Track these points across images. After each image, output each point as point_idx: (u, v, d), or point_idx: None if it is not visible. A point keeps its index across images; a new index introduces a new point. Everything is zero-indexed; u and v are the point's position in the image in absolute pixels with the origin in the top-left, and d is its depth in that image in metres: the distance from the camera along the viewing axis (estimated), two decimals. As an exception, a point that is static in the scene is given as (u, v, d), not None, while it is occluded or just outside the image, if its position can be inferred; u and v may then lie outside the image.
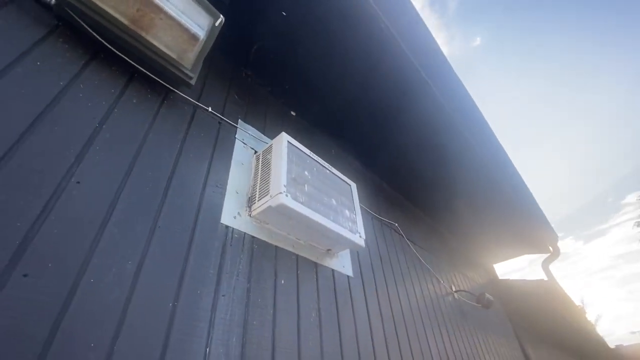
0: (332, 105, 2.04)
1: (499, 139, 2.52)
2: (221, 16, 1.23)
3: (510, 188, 2.85)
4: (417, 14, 1.70)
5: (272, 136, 1.65)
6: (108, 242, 0.81)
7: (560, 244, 3.92)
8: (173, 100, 1.23)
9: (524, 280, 3.96)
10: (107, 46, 1.05)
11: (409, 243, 2.43)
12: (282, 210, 1.20)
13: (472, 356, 2.39)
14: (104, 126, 0.96)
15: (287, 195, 1.19)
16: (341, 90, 1.95)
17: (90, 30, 1.02)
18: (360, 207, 2.03)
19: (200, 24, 1.15)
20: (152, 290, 0.84)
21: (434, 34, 1.83)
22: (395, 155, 2.46)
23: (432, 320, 2.13)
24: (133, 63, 1.11)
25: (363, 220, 2.03)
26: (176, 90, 1.24)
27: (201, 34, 1.13)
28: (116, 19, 1.03)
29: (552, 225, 3.67)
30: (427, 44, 1.79)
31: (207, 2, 1.20)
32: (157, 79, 1.17)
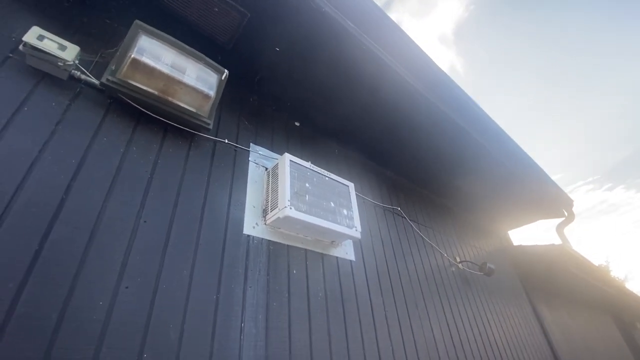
0: (329, 111, 2.31)
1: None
2: (226, 71, 1.54)
3: (512, 162, 3.01)
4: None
5: (279, 151, 1.99)
6: (169, 260, 1.22)
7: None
8: (197, 142, 1.59)
9: (537, 245, 4.14)
10: (145, 112, 1.42)
11: (412, 224, 2.73)
12: (288, 220, 1.56)
13: (473, 318, 2.73)
14: (154, 176, 1.35)
15: (291, 208, 1.55)
16: (337, 100, 2.21)
17: (133, 103, 1.38)
18: (363, 198, 2.35)
19: (210, 83, 1.48)
20: (201, 288, 1.25)
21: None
22: (397, 143, 2.69)
23: (433, 291, 2.48)
24: (165, 120, 1.48)
25: (366, 210, 2.36)
26: (199, 133, 1.60)
27: (212, 92, 1.46)
28: (149, 92, 1.38)
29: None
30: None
31: (214, 63, 1.51)
32: (184, 128, 1.53)
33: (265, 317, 1.38)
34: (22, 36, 1.15)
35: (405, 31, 2.00)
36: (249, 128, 1.92)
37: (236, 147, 1.77)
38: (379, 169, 2.85)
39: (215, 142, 1.67)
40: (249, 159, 1.80)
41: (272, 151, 1.97)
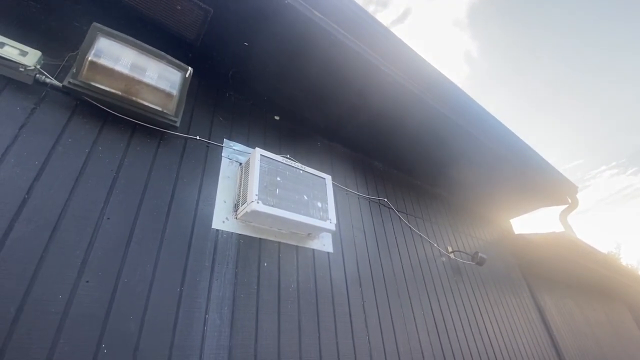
0: (310, 104, 2.31)
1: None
2: (190, 69, 1.56)
3: (509, 151, 2.93)
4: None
5: (255, 146, 2.00)
6: (132, 255, 1.27)
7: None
8: (167, 140, 1.63)
9: (538, 233, 4.04)
10: (111, 112, 1.46)
11: (399, 215, 2.72)
12: (255, 214, 1.59)
13: (464, 308, 2.72)
14: (120, 174, 1.39)
15: (258, 202, 1.57)
16: (318, 91, 2.20)
17: (98, 104, 1.42)
18: (346, 191, 2.36)
19: (172, 81, 1.50)
20: (165, 281, 1.30)
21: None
22: (384, 133, 2.66)
23: (419, 282, 2.47)
24: (132, 120, 1.51)
25: (349, 202, 2.36)
26: (168, 131, 1.63)
27: (174, 91, 1.49)
28: (112, 93, 1.42)
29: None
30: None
31: (177, 61, 1.53)
32: (152, 127, 1.57)
33: (231, 309, 1.42)
34: (-18, 44, 1.20)
35: (373, 15, 1.96)
36: (224, 124, 1.95)
37: (209, 143, 1.79)
38: (365, 160, 2.84)
39: (186, 139, 1.71)
40: (222, 154, 1.83)
41: (248, 146, 1.99)
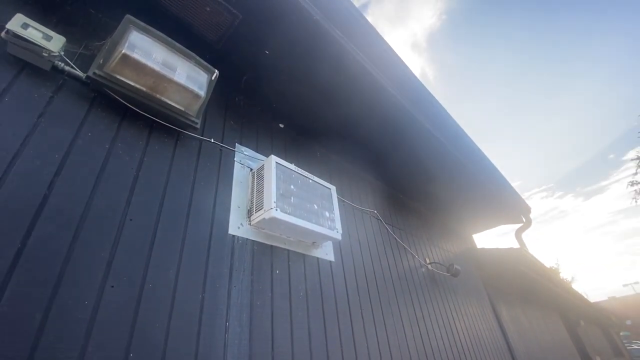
0: (313, 115, 2.37)
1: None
2: (216, 71, 1.55)
3: (479, 170, 3.23)
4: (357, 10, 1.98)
5: (263, 152, 2.01)
6: (155, 258, 1.21)
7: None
8: (183, 140, 1.58)
9: (498, 248, 4.46)
10: (131, 107, 1.39)
11: (387, 226, 2.85)
12: (273, 221, 1.60)
13: (440, 315, 2.91)
14: (139, 173, 1.33)
15: (276, 210, 1.59)
16: (322, 105, 2.26)
17: (119, 98, 1.35)
18: (343, 201, 2.43)
19: (200, 82, 1.48)
20: (187, 287, 1.26)
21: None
22: (377, 149, 2.80)
23: (405, 291, 2.61)
24: (152, 117, 1.46)
25: (345, 212, 2.44)
26: (185, 131, 1.59)
27: (202, 92, 1.46)
28: (137, 88, 1.36)
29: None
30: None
31: (205, 63, 1.51)
32: (170, 126, 1.52)
33: (249, 316, 1.41)
34: (4, 23, 1.10)
35: (389, 43, 2.10)
36: (234, 128, 1.93)
37: (222, 146, 1.77)
38: (359, 173, 2.95)
39: (201, 141, 1.67)
40: (235, 159, 1.81)
41: (257, 152, 1.99)
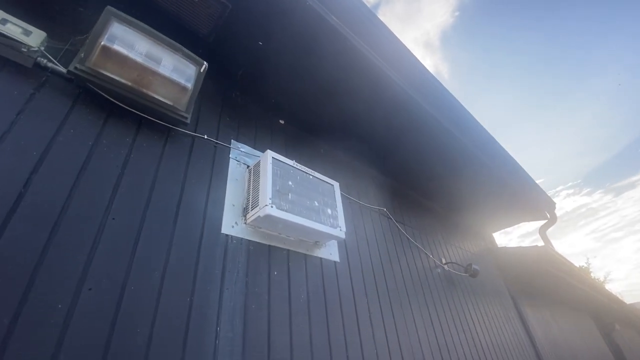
0: (316, 111, 2.27)
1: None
2: (205, 63, 1.48)
3: (497, 164, 3.03)
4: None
5: (262, 149, 1.93)
6: (139, 260, 1.14)
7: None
8: (174, 137, 1.52)
9: (521, 247, 4.19)
10: (117, 103, 1.34)
11: (398, 225, 2.71)
12: (269, 218, 1.51)
13: (458, 318, 2.72)
14: (125, 170, 1.27)
15: (272, 207, 1.49)
16: (326, 99, 2.17)
17: (104, 94, 1.30)
18: (349, 199, 2.32)
19: (188, 75, 1.41)
20: (174, 290, 1.18)
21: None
22: (385, 145, 2.67)
23: (419, 293, 2.45)
24: (139, 113, 1.40)
25: (352, 211, 2.32)
26: (176, 128, 1.53)
27: (189, 84, 1.40)
28: (121, 83, 1.31)
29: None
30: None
31: (192, 55, 1.45)
32: (159, 122, 1.46)
33: (242, 321, 1.32)
34: (-20, 18, 1.07)
35: (396, 34, 1.98)
36: (230, 124, 1.86)
37: (216, 143, 1.70)
38: (367, 170, 2.83)
39: (193, 137, 1.61)
40: (230, 155, 1.74)
41: (255, 149, 1.91)
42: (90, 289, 1.00)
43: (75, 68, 1.22)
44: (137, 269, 1.12)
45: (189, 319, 1.17)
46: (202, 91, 1.78)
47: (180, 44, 1.47)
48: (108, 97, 1.31)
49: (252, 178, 1.70)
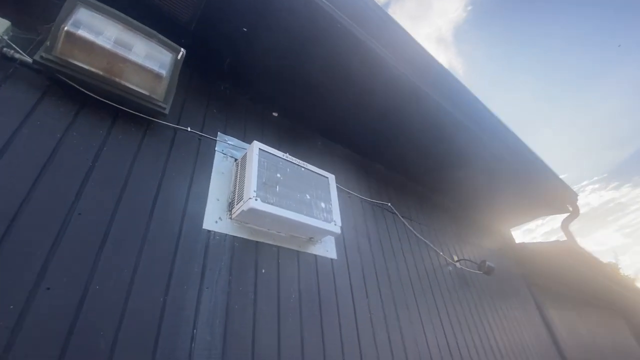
0: (312, 102, 2.16)
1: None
2: (182, 50, 1.40)
3: (512, 155, 2.83)
4: None
5: (252, 142, 1.84)
6: (107, 257, 1.06)
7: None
8: (154, 130, 1.45)
9: (541, 242, 3.93)
10: (91, 95, 1.28)
11: (404, 220, 2.56)
12: (254, 212, 1.41)
13: (471, 318, 2.54)
14: (96, 164, 1.20)
15: (256, 200, 1.39)
16: (321, 89, 2.06)
17: (74, 84, 1.24)
18: (349, 193, 2.19)
19: (162, 62, 1.34)
20: (146, 289, 1.09)
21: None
22: (388, 136, 2.53)
23: (427, 292, 2.29)
24: (115, 105, 1.33)
25: (352, 206, 2.20)
26: (156, 120, 1.45)
27: (163, 71, 1.32)
28: (92, 72, 1.24)
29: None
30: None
31: (168, 41, 1.37)
32: (137, 113, 1.39)
33: (224, 322, 1.22)
34: (-64, 6, 1.02)
35: (395, 18, 1.85)
36: (218, 117, 1.78)
37: (201, 135, 1.62)
38: (368, 163, 2.69)
39: (175, 130, 1.53)
40: (216, 148, 1.65)
41: (245, 142, 1.82)
42: (48, 288, 0.93)
43: (41, 57, 1.16)
44: (104, 266, 1.04)
45: (161, 320, 1.08)
46: (187, 83, 1.72)
47: (162, 34, 1.40)
48: (79, 88, 1.25)
49: (238, 171, 1.61)
